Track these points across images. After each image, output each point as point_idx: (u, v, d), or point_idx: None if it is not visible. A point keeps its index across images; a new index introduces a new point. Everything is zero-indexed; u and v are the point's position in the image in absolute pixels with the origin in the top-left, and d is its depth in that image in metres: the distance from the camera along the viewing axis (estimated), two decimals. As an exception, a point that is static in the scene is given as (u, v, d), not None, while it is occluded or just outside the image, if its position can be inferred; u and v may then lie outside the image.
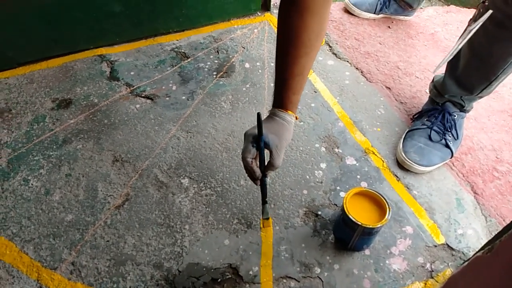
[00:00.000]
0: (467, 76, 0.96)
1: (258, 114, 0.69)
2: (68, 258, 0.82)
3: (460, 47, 0.84)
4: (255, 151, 0.74)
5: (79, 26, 1.23)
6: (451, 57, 0.87)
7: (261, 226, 0.87)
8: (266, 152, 0.75)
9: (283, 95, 0.76)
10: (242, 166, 0.76)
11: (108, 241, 0.85)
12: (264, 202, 0.82)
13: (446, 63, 1.01)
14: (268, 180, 0.81)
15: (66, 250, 0.84)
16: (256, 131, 0.72)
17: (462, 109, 1.02)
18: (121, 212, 0.90)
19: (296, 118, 0.79)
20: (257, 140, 0.73)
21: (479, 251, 0.63)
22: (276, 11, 1.48)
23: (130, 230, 0.87)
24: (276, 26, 0.72)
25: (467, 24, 0.88)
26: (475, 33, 0.85)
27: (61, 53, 1.27)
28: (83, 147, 1.02)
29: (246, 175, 0.77)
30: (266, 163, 0.76)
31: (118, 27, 1.28)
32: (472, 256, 0.69)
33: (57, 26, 1.20)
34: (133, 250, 0.84)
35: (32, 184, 0.95)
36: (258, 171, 0.76)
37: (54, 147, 1.02)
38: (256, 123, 0.72)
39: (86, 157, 1.00)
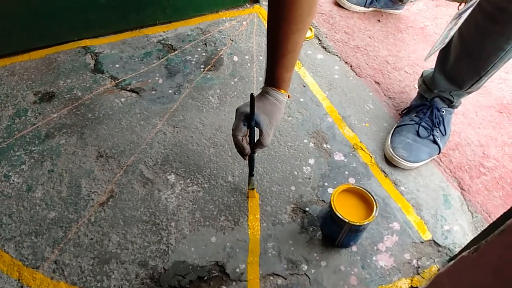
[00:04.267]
0: (457, 70, 0.96)
1: (252, 95, 0.69)
2: (51, 257, 0.81)
3: (451, 34, 0.83)
4: (246, 129, 0.76)
5: (63, 17, 1.19)
6: (443, 45, 0.85)
7: (247, 196, 0.92)
8: (256, 129, 0.77)
9: (275, 73, 0.75)
10: (232, 142, 0.79)
11: (92, 239, 0.83)
12: (250, 175, 0.88)
13: (436, 55, 1.01)
14: (255, 156, 0.85)
15: (48, 249, 0.82)
16: (248, 109, 0.73)
17: (451, 104, 1.02)
18: (105, 209, 0.88)
19: (289, 97, 0.79)
20: (248, 119, 0.74)
21: (464, 250, 0.63)
22: (265, 3, 1.46)
23: (114, 227, 0.85)
24: (267, 4, 0.70)
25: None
26: (466, 27, 0.84)
27: (43, 45, 1.23)
28: (66, 142, 1.00)
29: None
30: (255, 141, 0.79)
31: (103, 18, 1.25)
32: (458, 255, 0.70)
33: (40, 17, 1.16)
34: (117, 248, 0.82)
35: (13, 181, 0.92)
36: (247, 148, 0.78)
37: (36, 142, 1.00)
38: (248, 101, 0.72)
39: (70, 152, 0.98)
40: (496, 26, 0.82)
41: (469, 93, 1.00)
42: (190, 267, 0.80)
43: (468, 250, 0.53)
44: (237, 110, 0.76)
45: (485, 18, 0.82)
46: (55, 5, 1.15)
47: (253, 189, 0.90)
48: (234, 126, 0.76)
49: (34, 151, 0.98)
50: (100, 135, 1.02)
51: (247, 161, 0.84)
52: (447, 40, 0.83)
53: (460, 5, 0.82)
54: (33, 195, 0.89)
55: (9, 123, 1.03)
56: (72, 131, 1.02)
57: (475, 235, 0.75)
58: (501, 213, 0.63)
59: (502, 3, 0.78)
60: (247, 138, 0.78)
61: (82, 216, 0.86)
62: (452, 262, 0.61)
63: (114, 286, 0.77)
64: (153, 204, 0.89)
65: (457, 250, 0.84)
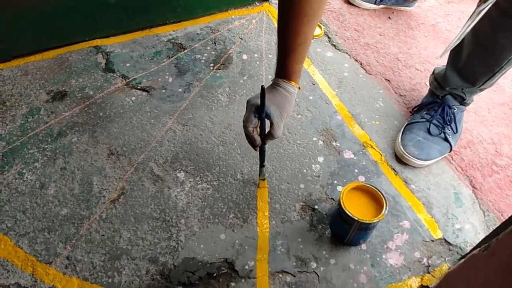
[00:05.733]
0: (469, 67, 0.94)
1: (262, 87, 0.70)
2: (63, 252, 0.82)
3: (468, 30, 0.81)
4: (257, 121, 0.76)
5: (74, 18, 1.21)
6: (459, 41, 0.84)
7: (258, 186, 0.93)
8: (267, 121, 0.77)
9: (286, 65, 0.76)
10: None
11: (103, 235, 0.84)
12: (261, 165, 0.88)
13: (449, 52, 0.99)
14: (266, 147, 0.85)
15: (61, 244, 0.83)
16: (258, 100, 0.73)
17: (463, 102, 1.01)
18: (117, 206, 0.89)
19: (299, 88, 0.80)
20: (259, 111, 0.74)
21: (475, 248, 0.62)
22: (274, 1, 1.46)
23: (125, 224, 0.86)
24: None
25: (476, 6, 0.84)
26: (479, 22, 0.83)
27: (56, 45, 1.25)
28: (78, 140, 1.01)
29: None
30: (266, 132, 0.79)
31: (113, 18, 1.26)
32: (468, 253, 0.69)
33: (52, 18, 1.18)
34: (128, 244, 0.83)
35: (26, 178, 0.94)
36: (258, 140, 0.79)
37: (49, 140, 1.01)
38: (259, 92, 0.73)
39: (81, 150, 0.99)
40: (511, 22, 0.80)
41: (482, 90, 0.98)
42: (200, 263, 0.81)
43: (479, 249, 0.52)
44: (248, 101, 0.77)
45: (500, 14, 0.81)
46: (66, 6, 1.16)
47: (264, 179, 0.91)
48: (244, 117, 0.77)
49: (47, 149, 0.99)
50: (111, 133, 1.03)
51: (258, 152, 0.84)
52: (463, 36, 0.81)
53: (480, 1, 0.80)
54: (46, 192, 0.91)
55: (22, 122, 1.05)
56: (84, 129, 1.04)
57: (487, 234, 0.74)
58: (514, 211, 0.62)
59: None
60: (258, 129, 0.78)
61: (93, 213, 0.88)
62: (463, 260, 0.61)
63: (125, 282, 0.78)
64: (163, 201, 0.90)
65: (469, 249, 0.83)
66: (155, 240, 0.84)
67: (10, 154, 0.98)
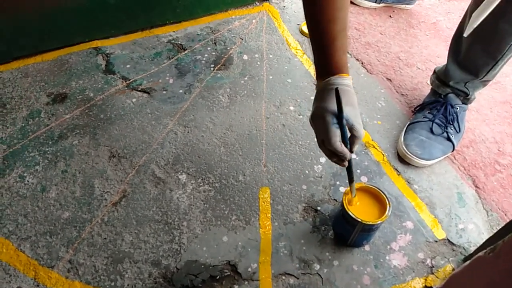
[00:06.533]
0: (471, 58, 0.93)
1: (337, 90, 0.62)
2: (65, 256, 0.82)
3: (492, 7, 0.75)
4: (339, 131, 0.65)
5: (74, 19, 1.20)
6: (479, 21, 0.79)
7: (350, 204, 0.79)
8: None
9: (334, 59, 0.67)
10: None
11: (105, 238, 0.84)
12: (351, 180, 0.76)
13: (449, 46, 0.98)
14: (353, 157, 0.74)
15: (63, 248, 0.83)
16: (333, 107, 0.64)
17: (466, 98, 1.00)
18: (118, 209, 0.89)
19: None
20: (339, 119, 0.64)
21: (480, 249, 0.62)
22: (275, 0, 1.45)
23: (127, 227, 0.86)
24: None
25: None
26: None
27: (55, 47, 1.25)
28: (79, 142, 1.01)
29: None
30: (348, 139, 0.68)
31: (113, 19, 1.25)
32: (473, 254, 0.68)
33: (51, 19, 1.17)
34: (130, 247, 0.83)
35: (28, 181, 0.93)
36: (348, 152, 0.67)
37: (50, 142, 1.01)
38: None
39: (82, 152, 0.99)
40: (511, 5, 0.79)
41: (485, 83, 0.97)
42: (202, 266, 0.80)
43: (484, 251, 0.52)
44: (315, 117, 0.67)
45: (504, 2, 0.80)
46: (66, 7, 1.16)
47: (355, 196, 0.78)
48: (324, 135, 0.66)
49: (48, 152, 0.99)
50: (112, 136, 1.02)
51: (346, 168, 0.72)
52: (490, 10, 0.76)
53: None
54: (48, 195, 0.91)
55: (23, 125, 1.05)
56: (84, 131, 1.03)
57: (491, 234, 0.74)
58: (518, 212, 0.62)
59: None
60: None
61: (95, 216, 0.87)
62: (468, 262, 0.60)
63: (128, 285, 0.78)
64: (165, 204, 0.90)
65: (472, 249, 0.83)
66: (158, 243, 0.84)
67: (11, 157, 0.98)
